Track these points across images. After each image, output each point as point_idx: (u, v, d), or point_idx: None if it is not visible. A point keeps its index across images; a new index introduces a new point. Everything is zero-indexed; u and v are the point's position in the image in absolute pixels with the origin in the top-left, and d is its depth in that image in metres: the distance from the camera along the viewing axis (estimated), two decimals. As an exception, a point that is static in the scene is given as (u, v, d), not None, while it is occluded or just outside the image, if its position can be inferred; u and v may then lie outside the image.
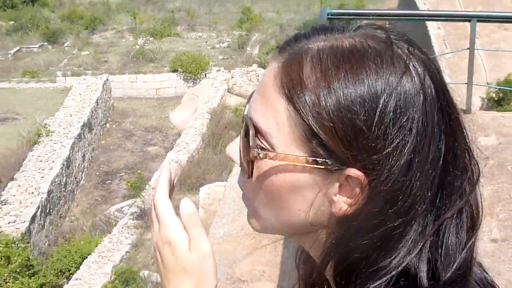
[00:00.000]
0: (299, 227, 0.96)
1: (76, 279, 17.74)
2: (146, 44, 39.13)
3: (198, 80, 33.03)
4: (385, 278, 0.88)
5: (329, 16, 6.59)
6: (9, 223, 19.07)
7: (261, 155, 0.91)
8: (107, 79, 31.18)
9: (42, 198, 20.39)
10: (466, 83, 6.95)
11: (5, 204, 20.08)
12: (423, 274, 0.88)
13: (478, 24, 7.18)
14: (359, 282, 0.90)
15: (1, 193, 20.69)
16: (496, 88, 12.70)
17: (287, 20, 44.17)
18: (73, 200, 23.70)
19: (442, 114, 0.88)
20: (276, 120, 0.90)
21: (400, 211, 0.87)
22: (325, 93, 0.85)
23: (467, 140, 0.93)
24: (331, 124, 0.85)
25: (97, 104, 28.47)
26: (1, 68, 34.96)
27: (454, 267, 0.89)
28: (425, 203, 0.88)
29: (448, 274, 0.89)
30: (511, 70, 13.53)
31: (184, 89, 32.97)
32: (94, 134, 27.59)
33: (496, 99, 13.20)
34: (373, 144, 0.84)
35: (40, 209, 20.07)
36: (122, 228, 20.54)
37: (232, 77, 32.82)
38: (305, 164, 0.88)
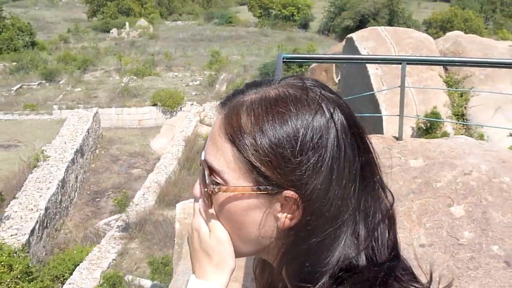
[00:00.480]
0: (257, 242, 1.00)
1: (70, 284, 17.41)
2: (130, 82, 38.85)
3: (175, 113, 32.88)
4: (328, 275, 0.93)
5: (285, 60, 6.57)
6: (11, 235, 18.66)
7: (216, 190, 0.97)
8: (96, 112, 30.76)
9: (40, 213, 19.98)
10: (398, 115, 7.03)
11: (8, 219, 19.65)
12: (362, 260, 0.94)
13: (410, 65, 7.26)
14: (309, 281, 0.95)
15: (4, 209, 20.27)
16: (424, 119, 12.87)
17: (249, 62, 44.20)
18: (67, 215, 23.25)
19: (355, 139, 0.95)
20: (225, 160, 0.96)
21: (328, 220, 0.93)
22: (259, 135, 0.92)
23: (375, 157, 0.99)
24: (267, 158, 0.92)
25: (88, 133, 28.07)
26: (5, 102, 34.37)
27: (388, 250, 0.97)
28: (350, 210, 0.94)
29: (384, 257, 0.96)
30: (436, 103, 13.76)
31: (162, 120, 32.76)
32: (85, 158, 27.17)
33: (424, 128, 13.36)
34: (298, 168, 0.91)
35: (38, 223, 19.66)
36: (110, 239, 20.22)
37: (204, 110, 32.73)
38: (251, 192, 0.95)
